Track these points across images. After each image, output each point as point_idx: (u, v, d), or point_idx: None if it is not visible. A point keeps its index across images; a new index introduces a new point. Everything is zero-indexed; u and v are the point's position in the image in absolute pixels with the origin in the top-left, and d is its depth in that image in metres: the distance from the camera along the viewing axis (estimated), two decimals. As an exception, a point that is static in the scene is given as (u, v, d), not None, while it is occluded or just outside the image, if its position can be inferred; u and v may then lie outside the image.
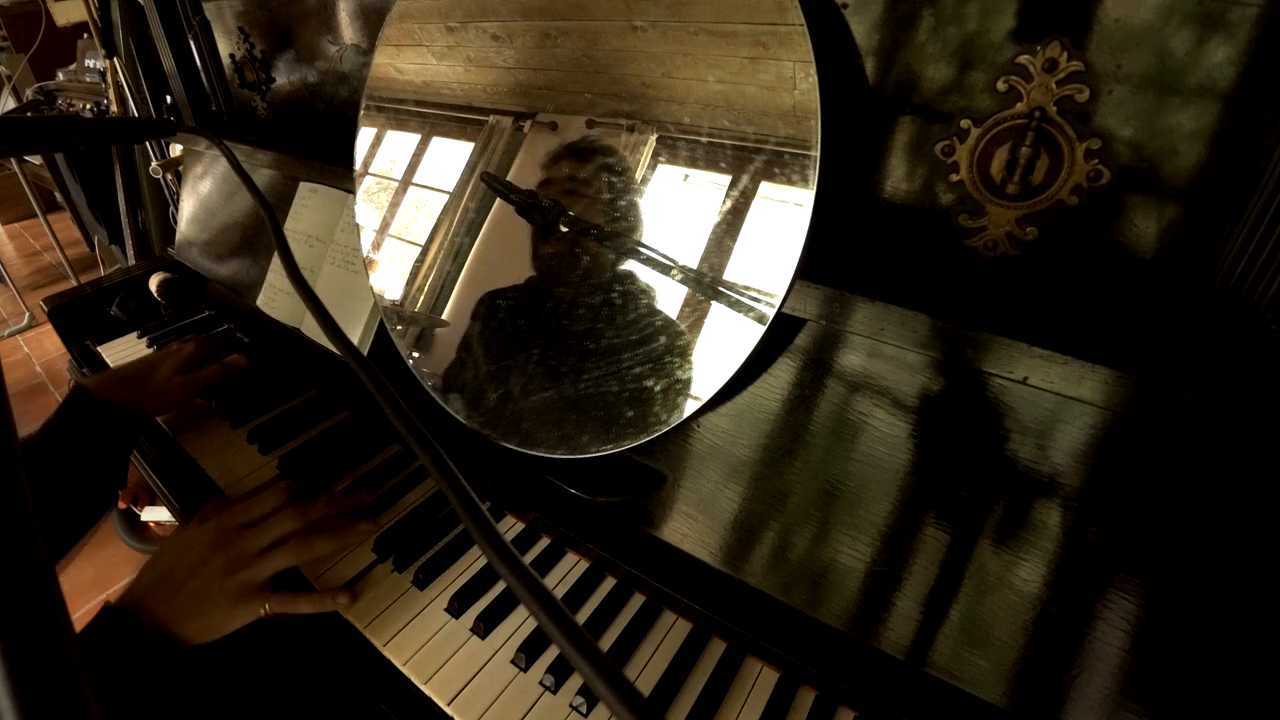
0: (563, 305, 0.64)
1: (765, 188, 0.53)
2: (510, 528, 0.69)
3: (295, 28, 0.98)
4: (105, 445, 0.72)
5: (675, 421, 0.57)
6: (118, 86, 1.53)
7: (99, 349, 1.02)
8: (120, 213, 1.93)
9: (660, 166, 0.58)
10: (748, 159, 0.53)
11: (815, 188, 0.50)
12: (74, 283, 2.56)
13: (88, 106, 2.12)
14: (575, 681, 0.54)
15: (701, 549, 0.57)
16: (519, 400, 0.66)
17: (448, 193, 0.74)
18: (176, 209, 1.27)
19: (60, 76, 2.44)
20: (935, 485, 0.48)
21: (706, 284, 0.56)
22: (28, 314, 3.00)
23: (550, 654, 0.56)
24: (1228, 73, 0.41)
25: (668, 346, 0.57)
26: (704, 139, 0.56)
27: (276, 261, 0.94)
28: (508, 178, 0.68)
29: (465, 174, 0.72)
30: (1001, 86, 0.48)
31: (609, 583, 0.63)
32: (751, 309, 0.53)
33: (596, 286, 0.62)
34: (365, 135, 0.80)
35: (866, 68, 0.53)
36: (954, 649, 0.47)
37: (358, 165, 0.81)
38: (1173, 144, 0.44)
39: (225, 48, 1.12)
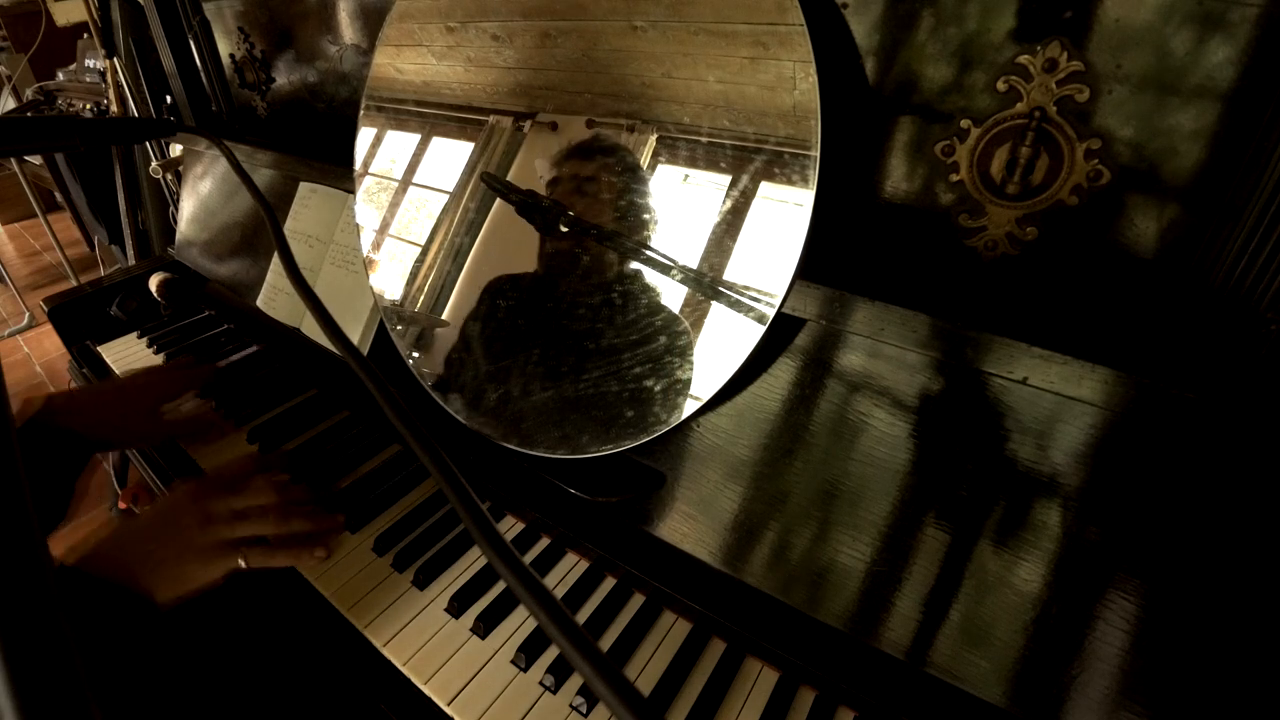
0: (562, 305, 0.64)
1: (765, 188, 0.53)
2: (510, 528, 0.69)
3: (295, 28, 0.98)
4: (48, 475, 0.67)
5: (675, 421, 0.57)
6: (118, 86, 1.52)
7: (99, 349, 1.02)
8: (120, 213, 1.93)
9: (660, 166, 0.58)
10: (748, 159, 0.53)
11: (815, 188, 0.50)
12: (74, 283, 2.56)
13: (88, 106, 2.12)
14: (575, 681, 0.54)
15: (701, 549, 0.57)
16: (519, 400, 0.66)
17: (448, 193, 0.74)
18: (176, 209, 1.27)
19: (60, 76, 2.44)
20: (935, 485, 0.48)
21: (706, 284, 0.56)
22: (28, 314, 3.00)
23: (550, 654, 0.56)
24: (1228, 73, 0.41)
25: (668, 346, 0.57)
26: (704, 139, 0.56)
27: (276, 261, 0.94)
28: (508, 178, 0.68)
29: (465, 174, 0.72)
30: (1001, 86, 0.48)
31: (609, 583, 0.63)
32: (751, 309, 0.53)
33: (596, 286, 0.62)
34: (365, 135, 0.80)
35: (866, 68, 0.53)
36: (954, 649, 0.47)
37: (358, 165, 0.81)
38: (1173, 144, 0.44)
39: (225, 48, 1.12)
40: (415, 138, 0.77)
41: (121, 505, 1.75)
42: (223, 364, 0.94)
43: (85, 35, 2.37)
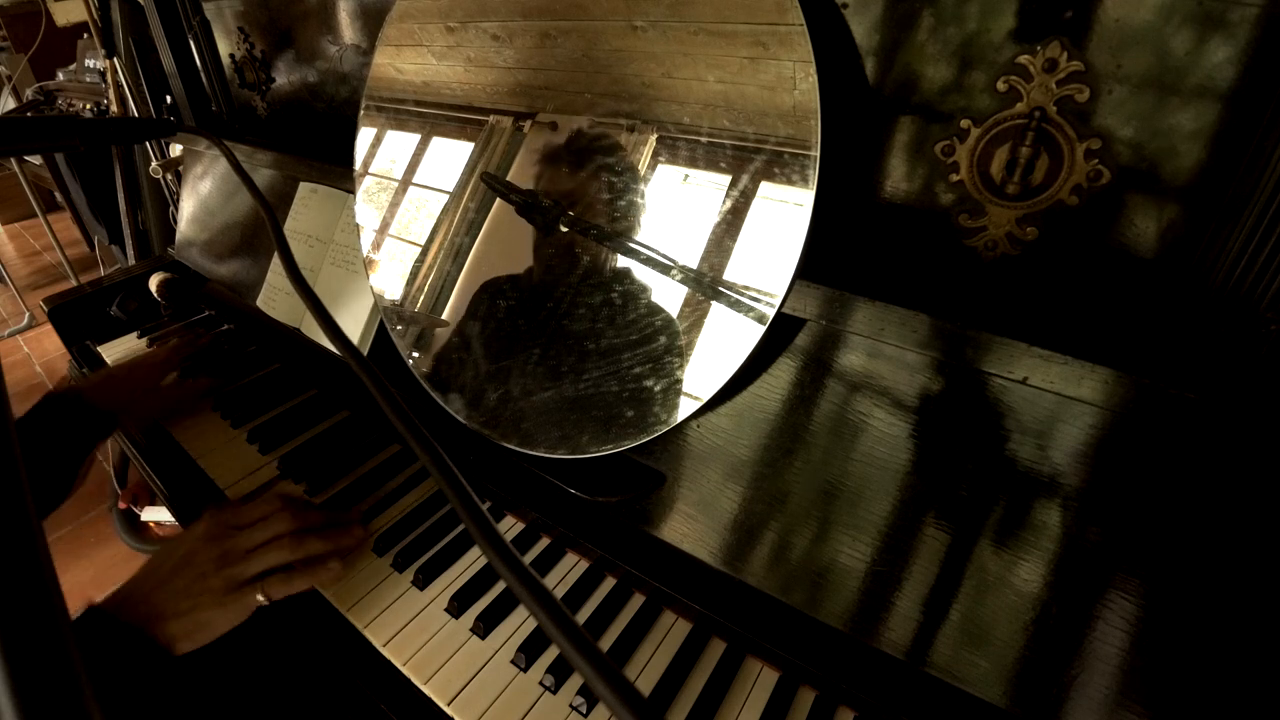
0: (562, 305, 0.64)
1: (765, 188, 0.53)
2: (510, 528, 0.69)
3: (295, 28, 0.98)
4: (67, 442, 0.73)
5: (675, 421, 0.57)
6: (118, 86, 1.52)
7: (99, 349, 1.02)
8: (120, 213, 1.93)
9: (660, 166, 0.58)
10: (748, 159, 0.53)
11: (815, 188, 0.50)
12: (74, 283, 2.56)
13: (88, 106, 2.12)
14: (575, 681, 0.54)
15: (701, 549, 0.57)
16: (519, 400, 0.66)
17: (448, 193, 0.74)
18: (176, 209, 1.27)
19: (60, 76, 2.44)
20: (935, 485, 0.48)
21: (706, 284, 0.56)
22: (28, 314, 3.00)
23: (550, 654, 0.56)
24: (1228, 73, 0.41)
25: (668, 346, 0.57)
26: (704, 139, 0.56)
27: (276, 261, 0.93)
28: (508, 178, 0.68)
29: (465, 174, 0.72)
30: (1001, 86, 0.48)
31: (609, 583, 0.63)
32: (751, 309, 0.53)
33: (596, 286, 0.62)
34: (365, 135, 0.80)
35: (866, 68, 0.53)
36: (954, 649, 0.47)
37: (358, 165, 0.81)
38: (1173, 144, 0.44)
39: (225, 48, 1.12)
40: (415, 138, 0.77)
41: (121, 505, 1.75)
42: (207, 339, 0.96)
43: (85, 35, 2.37)
